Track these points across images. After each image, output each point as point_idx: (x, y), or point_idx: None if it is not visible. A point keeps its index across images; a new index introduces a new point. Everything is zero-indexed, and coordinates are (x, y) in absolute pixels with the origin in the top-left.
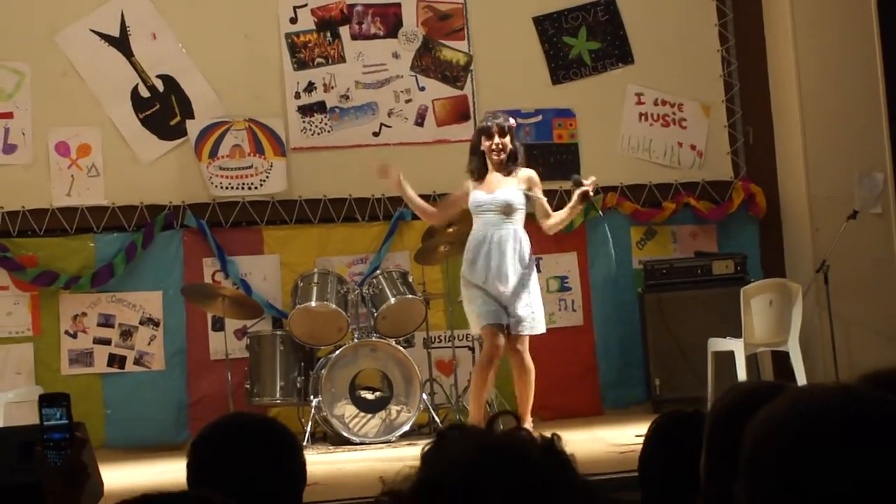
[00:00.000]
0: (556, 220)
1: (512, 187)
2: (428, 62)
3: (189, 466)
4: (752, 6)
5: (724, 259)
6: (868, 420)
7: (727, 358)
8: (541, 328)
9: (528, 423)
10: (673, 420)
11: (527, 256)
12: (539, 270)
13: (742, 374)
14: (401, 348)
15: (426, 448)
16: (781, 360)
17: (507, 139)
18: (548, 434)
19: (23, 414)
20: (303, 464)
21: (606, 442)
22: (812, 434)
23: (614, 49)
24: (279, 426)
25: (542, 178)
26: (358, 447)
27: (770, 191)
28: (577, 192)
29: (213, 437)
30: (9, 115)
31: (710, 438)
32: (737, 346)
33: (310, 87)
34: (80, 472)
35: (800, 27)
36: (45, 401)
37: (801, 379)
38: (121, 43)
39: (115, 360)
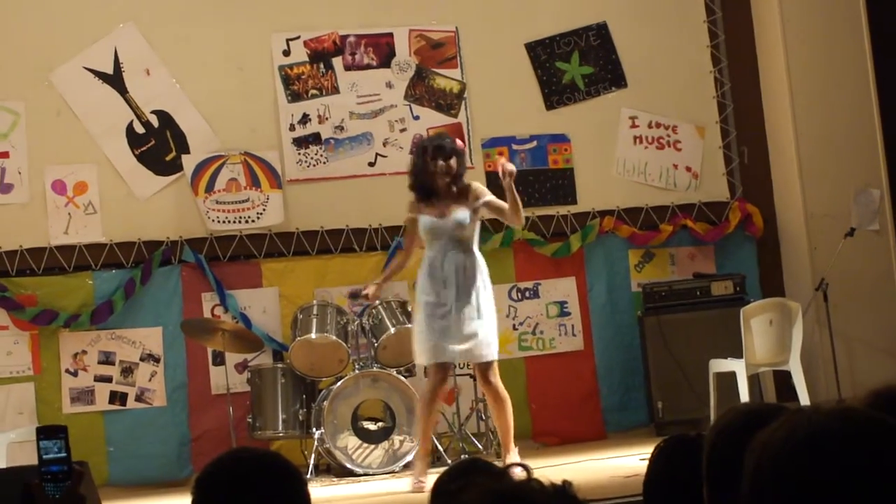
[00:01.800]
0: (507, 206)
1: (463, 209)
2: (422, 91)
3: (194, 503)
4: (743, 27)
5: (722, 280)
6: (868, 444)
7: (729, 379)
8: (492, 354)
9: (513, 454)
10: (676, 444)
11: (478, 280)
12: (538, 296)
13: (744, 395)
14: (402, 378)
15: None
16: (783, 380)
17: (453, 161)
18: (558, 481)
19: (25, 454)
20: (308, 498)
21: (610, 466)
22: (812, 459)
23: (607, 73)
24: (283, 461)
25: (539, 203)
26: (362, 478)
27: (767, 210)
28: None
29: (218, 474)
30: (5, 155)
31: (710, 462)
32: (738, 367)
33: (304, 119)
34: None
35: (791, 46)
36: (43, 433)
37: (804, 398)
38: (115, 80)
39: (117, 398)
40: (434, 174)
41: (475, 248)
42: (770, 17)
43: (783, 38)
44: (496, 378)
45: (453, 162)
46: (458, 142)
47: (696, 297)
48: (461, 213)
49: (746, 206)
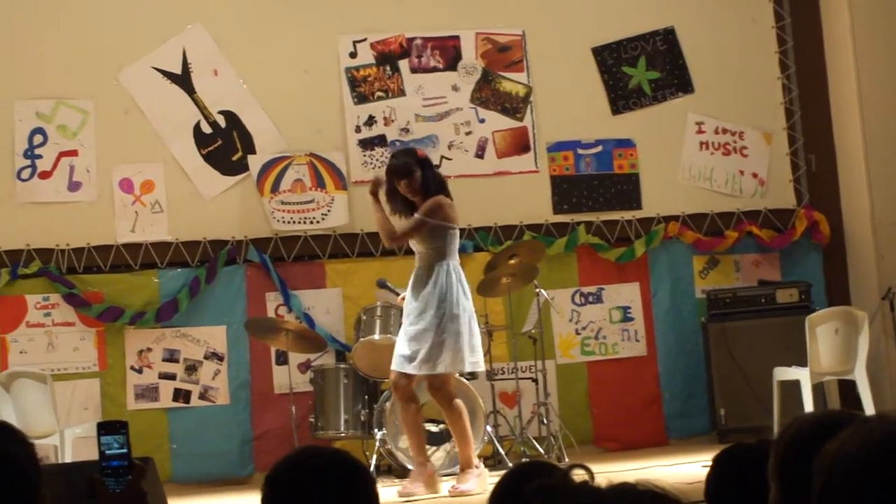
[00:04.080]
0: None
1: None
2: (487, 94)
3: (264, 500)
4: (812, 32)
5: (788, 287)
6: None
7: (793, 387)
8: (438, 368)
9: (472, 472)
10: (738, 451)
11: (440, 293)
12: (601, 301)
13: (808, 404)
14: (464, 380)
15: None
16: (848, 389)
17: (413, 178)
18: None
19: (90, 449)
20: (376, 497)
21: (672, 473)
22: (885, 467)
23: (674, 78)
24: (353, 459)
25: (603, 208)
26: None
27: (833, 218)
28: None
29: (289, 471)
30: (73, 153)
31: (781, 470)
32: (803, 375)
33: (370, 121)
34: (140, 500)
35: (861, 52)
36: (103, 429)
37: (869, 408)
38: (183, 80)
39: (181, 395)
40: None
41: (441, 260)
42: (840, 23)
43: (853, 44)
44: (443, 389)
45: (414, 178)
46: (415, 154)
47: (761, 305)
48: None
49: (813, 213)
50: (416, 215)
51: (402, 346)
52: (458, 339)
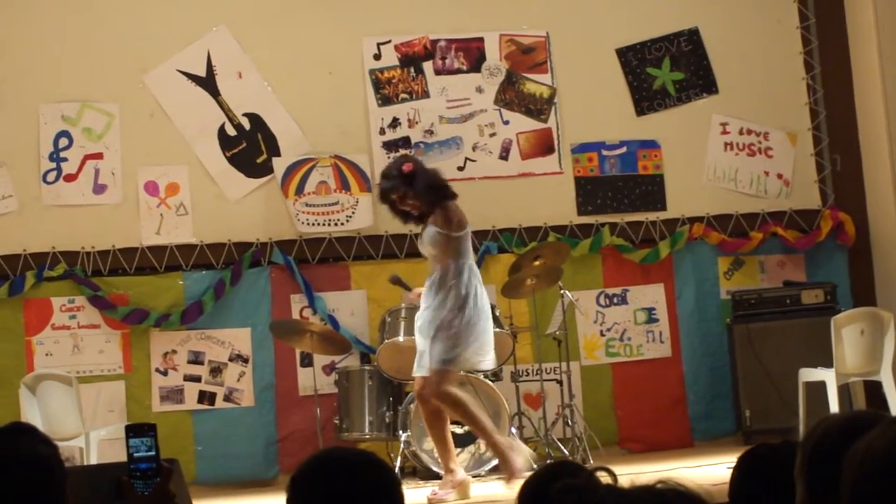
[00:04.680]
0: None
1: (425, 232)
2: (511, 96)
3: (289, 501)
4: (837, 32)
5: (813, 288)
6: None
7: (818, 388)
8: (420, 371)
9: (450, 480)
10: (763, 452)
11: (436, 301)
12: (626, 302)
13: (834, 405)
14: (489, 382)
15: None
16: (874, 390)
17: (406, 196)
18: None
19: (115, 451)
20: (401, 497)
21: (697, 474)
22: None
23: (698, 79)
24: (378, 460)
25: (628, 210)
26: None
27: (859, 218)
28: None
29: (314, 472)
30: (99, 156)
31: (809, 470)
32: (828, 377)
33: (394, 123)
34: (168, 502)
35: (886, 52)
36: (132, 431)
37: (895, 409)
38: (207, 82)
39: (205, 397)
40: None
41: (442, 272)
42: (865, 23)
43: (878, 44)
44: (427, 388)
45: (404, 199)
46: (401, 171)
47: (786, 306)
48: (424, 238)
49: (838, 214)
50: (436, 231)
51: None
52: (455, 338)
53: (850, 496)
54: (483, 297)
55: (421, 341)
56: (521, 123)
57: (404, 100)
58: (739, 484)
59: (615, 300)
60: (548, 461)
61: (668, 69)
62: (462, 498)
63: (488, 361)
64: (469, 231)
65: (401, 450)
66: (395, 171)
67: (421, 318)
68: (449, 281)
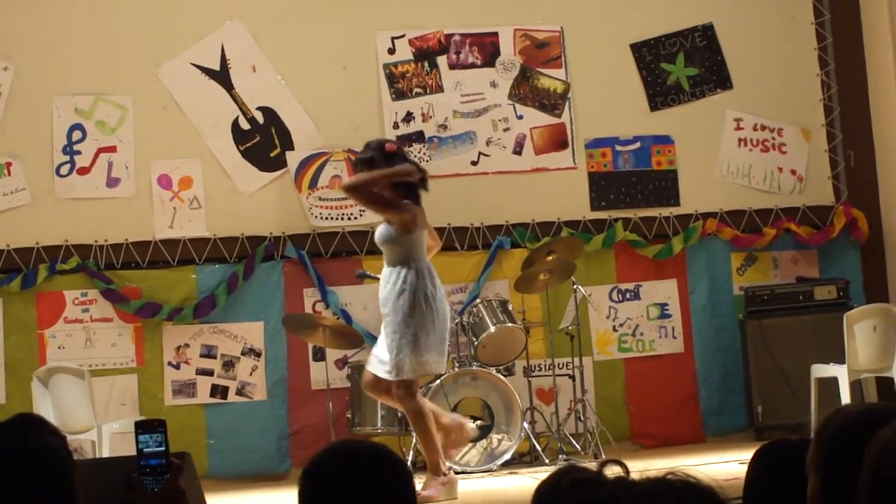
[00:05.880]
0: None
1: (378, 229)
2: (525, 90)
3: (301, 494)
4: (851, 28)
5: (826, 284)
6: None
7: (830, 384)
8: (387, 374)
9: (437, 478)
10: (777, 448)
11: (394, 297)
12: (639, 297)
13: (846, 401)
14: (501, 377)
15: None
16: (886, 386)
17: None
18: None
19: (127, 444)
20: (413, 490)
21: (709, 470)
22: None
23: (712, 75)
24: (389, 453)
25: (641, 205)
26: (459, 476)
27: (872, 215)
28: None
29: (326, 464)
30: (112, 149)
31: (825, 462)
32: (840, 373)
33: (408, 117)
34: (178, 498)
35: None
36: (141, 427)
37: None
38: (221, 76)
39: (218, 391)
40: None
41: (396, 264)
42: (879, 19)
43: (892, 40)
44: (397, 393)
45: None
46: (383, 148)
47: (799, 302)
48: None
49: (852, 210)
50: (363, 176)
51: (377, 348)
52: (414, 343)
53: (869, 483)
54: (439, 300)
55: (381, 346)
56: (535, 118)
57: (418, 94)
58: (755, 479)
59: (628, 295)
60: (560, 457)
61: (683, 64)
62: (449, 498)
63: (442, 364)
64: (423, 234)
65: (412, 444)
66: (375, 144)
67: (383, 324)
68: (403, 285)
